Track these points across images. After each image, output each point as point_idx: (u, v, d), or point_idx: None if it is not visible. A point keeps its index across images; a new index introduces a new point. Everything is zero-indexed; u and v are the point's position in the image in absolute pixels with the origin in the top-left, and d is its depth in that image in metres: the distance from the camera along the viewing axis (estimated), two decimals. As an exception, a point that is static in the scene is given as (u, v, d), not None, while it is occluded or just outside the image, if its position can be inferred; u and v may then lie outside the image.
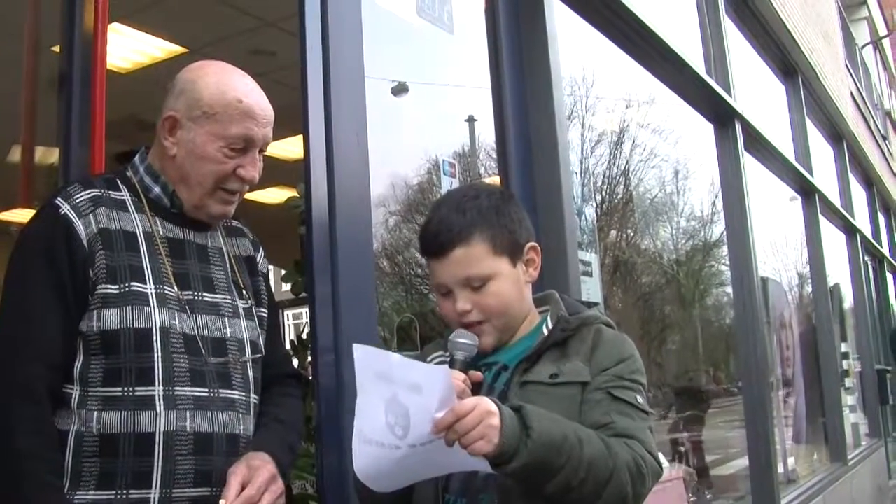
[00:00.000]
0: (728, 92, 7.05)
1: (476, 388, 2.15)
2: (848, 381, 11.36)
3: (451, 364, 2.12)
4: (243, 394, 2.28)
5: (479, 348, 2.21)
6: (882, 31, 20.89)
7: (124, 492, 2.07)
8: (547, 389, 2.12)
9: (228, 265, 2.39)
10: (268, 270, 2.58)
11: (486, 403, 1.84)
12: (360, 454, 1.94)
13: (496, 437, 1.83)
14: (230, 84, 2.28)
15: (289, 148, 6.78)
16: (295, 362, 4.54)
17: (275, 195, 8.11)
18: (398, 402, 1.83)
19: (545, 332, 2.24)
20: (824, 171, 11.51)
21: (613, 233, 7.17)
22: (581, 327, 2.23)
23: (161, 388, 2.12)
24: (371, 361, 1.89)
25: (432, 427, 1.80)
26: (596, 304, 2.41)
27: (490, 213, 2.22)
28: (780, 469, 7.35)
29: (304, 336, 5.20)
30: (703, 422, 7.98)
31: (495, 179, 4.11)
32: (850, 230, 12.88)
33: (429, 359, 2.30)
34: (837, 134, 12.74)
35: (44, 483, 2.02)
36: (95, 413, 2.09)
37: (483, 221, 2.21)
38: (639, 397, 2.15)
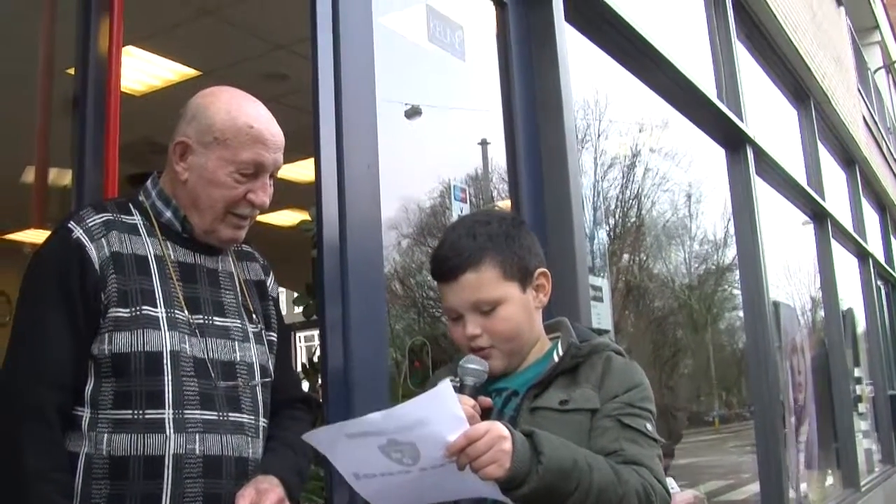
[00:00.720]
0: (740, 117, 7.06)
1: (485, 414, 2.15)
2: (861, 407, 11.31)
3: (461, 389, 2.12)
4: (252, 417, 2.28)
5: (488, 373, 2.21)
6: (895, 55, 20.87)
7: (134, 514, 2.07)
8: (556, 416, 2.13)
9: (239, 289, 2.39)
10: (278, 294, 2.58)
11: (499, 428, 1.85)
12: (364, 486, 1.95)
13: (508, 462, 1.83)
14: (241, 110, 2.29)
15: (301, 171, 6.80)
16: (306, 385, 4.54)
17: (287, 218, 8.14)
18: (397, 442, 1.82)
19: (556, 358, 2.25)
20: (837, 196, 11.50)
21: (626, 257, 7.17)
22: (591, 354, 2.24)
23: (171, 411, 2.12)
24: (332, 436, 1.92)
25: (444, 451, 1.80)
26: (607, 331, 2.41)
27: (500, 238, 2.24)
28: (792, 494, 7.31)
29: (315, 359, 5.20)
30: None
31: (506, 203, 4.11)
32: (862, 254, 12.85)
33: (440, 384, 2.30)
34: (850, 158, 12.73)
35: None
36: (106, 435, 2.09)
37: (493, 247, 2.22)
38: (648, 425, 2.16)
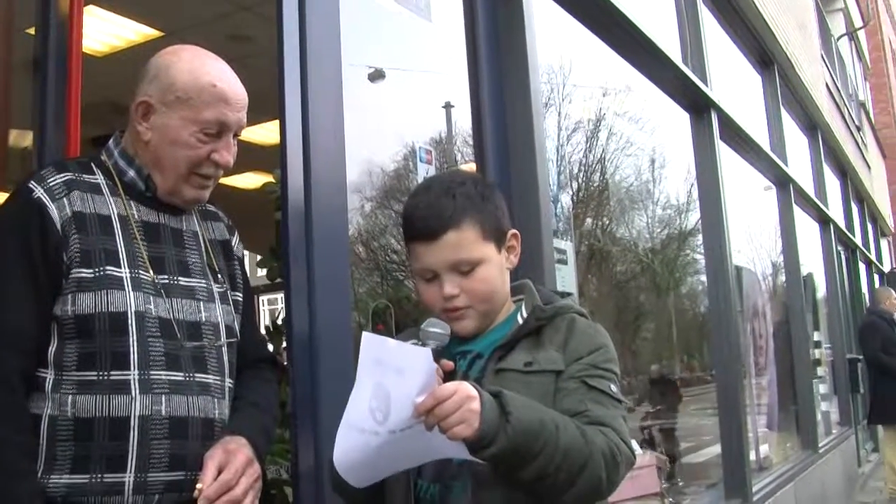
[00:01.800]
0: (704, 81, 7.08)
1: (448, 378, 2.16)
2: (820, 370, 11.45)
3: None
4: (218, 378, 2.27)
5: (459, 333, 2.23)
6: (857, 22, 20.99)
7: (99, 476, 2.07)
8: (521, 377, 2.13)
9: (203, 249, 2.38)
10: (243, 255, 2.57)
11: (467, 388, 1.86)
12: (341, 440, 1.96)
13: (476, 422, 1.84)
14: (204, 69, 2.27)
15: (265, 133, 6.78)
16: (270, 348, 4.54)
17: (251, 180, 8.11)
18: (383, 385, 1.84)
19: (520, 320, 2.25)
20: (799, 161, 11.58)
21: (589, 221, 7.20)
22: (555, 317, 2.24)
23: (136, 371, 2.11)
24: (372, 347, 1.91)
25: (413, 411, 1.81)
26: (570, 294, 2.42)
27: (477, 198, 2.24)
28: (752, 456, 7.40)
29: (278, 321, 5.20)
30: (676, 410, 8.04)
31: (471, 166, 4.11)
32: (823, 220, 12.97)
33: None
34: (812, 124, 12.81)
35: (16, 470, 2.01)
36: (70, 397, 2.08)
37: (472, 207, 2.22)
38: (612, 386, 2.16)
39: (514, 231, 2.32)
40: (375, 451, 1.90)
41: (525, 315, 2.26)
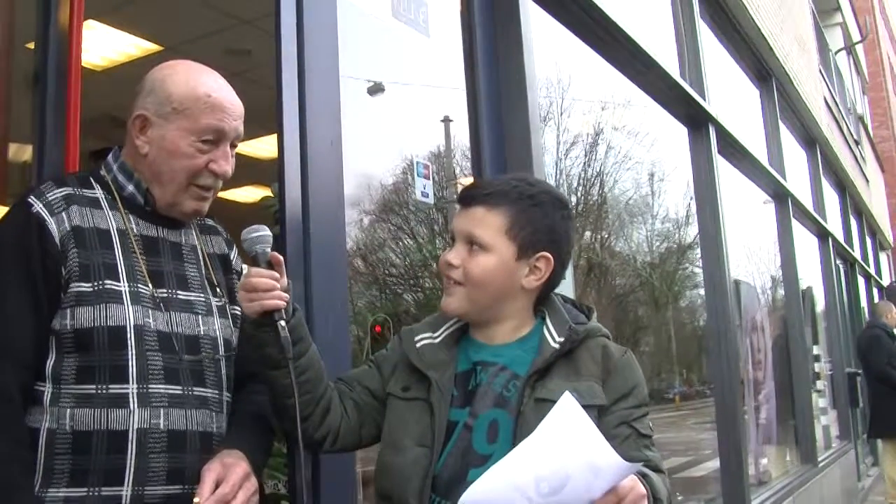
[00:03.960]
0: (702, 96, 7.09)
1: (464, 380, 2.22)
2: (819, 384, 11.44)
3: (256, 261, 2.17)
4: (216, 391, 2.28)
5: (444, 308, 2.28)
6: (856, 36, 21.03)
7: (96, 489, 2.07)
8: None
9: (202, 263, 2.39)
10: (242, 268, 2.58)
11: (640, 487, 1.86)
12: (488, 482, 1.87)
13: None
14: (199, 80, 2.29)
15: (263, 147, 6.76)
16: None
17: (249, 194, 8.11)
18: (563, 464, 1.81)
19: (550, 340, 2.24)
20: (797, 176, 11.59)
21: (588, 234, 7.21)
22: (586, 339, 2.25)
23: (135, 385, 2.12)
24: (571, 415, 1.88)
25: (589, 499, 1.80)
26: (589, 306, 2.40)
27: (528, 202, 2.26)
28: (751, 470, 7.40)
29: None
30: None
31: (469, 180, 4.12)
32: (822, 234, 12.97)
33: (416, 338, 2.31)
34: (811, 138, 12.82)
35: (14, 483, 2.01)
36: (68, 410, 2.09)
37: (516, 203, 2.24)
38: (651, 423, 2.22)
39: (547, 255, 2.27)
40: None
41: (553, 333, 2.25)
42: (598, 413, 2.15)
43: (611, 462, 1.82)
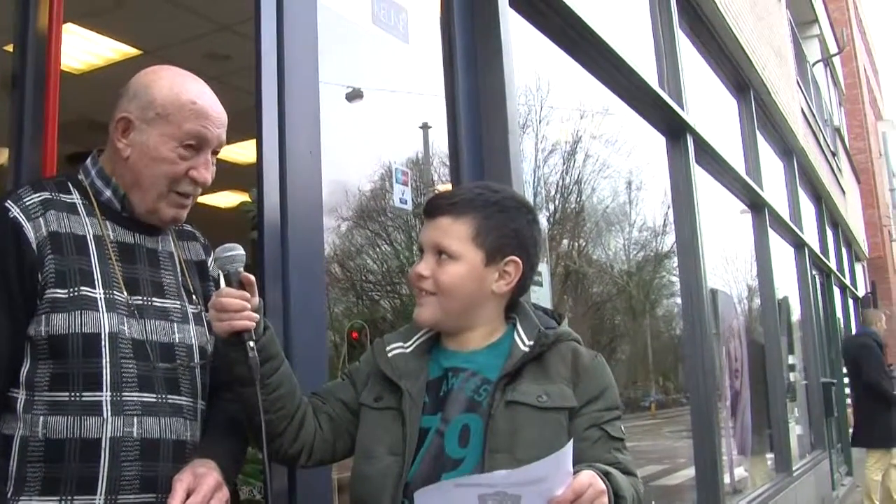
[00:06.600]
0: (680, 105, 7.12)
1: (436, 387, 2.23)
2: (794, 394, 11.48)
3: (228, 280, 2.19)
4: (191, 400, 2.27)
5: (417, 319, 2.29)
6: (833, 48, 21.15)
7: (69, 497, 2.05)
8: (536, 413, 2.15)
9: (179, 270, 2.37)
10: (219, 275, 2.57)
11: (599, 483, 1.87)
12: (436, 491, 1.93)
13: None
14: (184, 87, 2.27)
15: (242, 152, 6.76)
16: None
17: (227, 199, 8.10)
18: (507, 495, 1.82)
19: (520, 344, 2.25)
20: (774, 186, 11.64)
21: (565, 242, 7.22)
22: (557, 343, 2.26)
23: (108, 393, 2.10)
24: (443, 490, 1.91)
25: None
26: (560, 313, 2.42)
27: (493, 209, 2.28)
28: (727, 479, 7.41)
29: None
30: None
31: (447, 187, 4.12)
32: (798, 244, 13.03)
33: (388, 348, 2.33)
34: (788, 149, 12.89)
35: None
36: (41, 418, 2.07)
37: (482, 211, 2.26)
38: (622, 426, 2.23)
39: (514, 258, 2.28)
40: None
41: (524, 337, 2.26)
42: (569, 416, 2.17)
43: (544, 464, 1.84)
